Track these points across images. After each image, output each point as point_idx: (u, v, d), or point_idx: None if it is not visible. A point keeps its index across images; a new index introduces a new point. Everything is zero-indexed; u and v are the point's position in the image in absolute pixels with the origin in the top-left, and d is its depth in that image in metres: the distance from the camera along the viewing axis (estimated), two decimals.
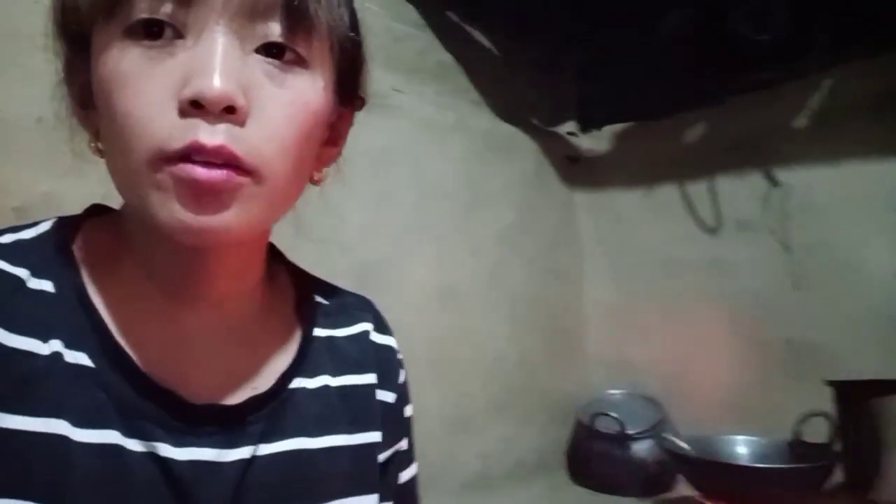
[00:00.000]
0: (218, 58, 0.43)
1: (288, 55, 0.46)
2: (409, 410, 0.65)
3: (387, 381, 0.61)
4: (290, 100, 0.46)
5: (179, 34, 0.44)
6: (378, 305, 0.66)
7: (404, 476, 0.64)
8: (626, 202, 1.78)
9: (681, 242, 1.67)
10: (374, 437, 0.58)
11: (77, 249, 0.50)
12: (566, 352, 1.71)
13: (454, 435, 1.35)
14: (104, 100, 0.45)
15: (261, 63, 0.45)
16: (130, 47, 0.44)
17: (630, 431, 1.42)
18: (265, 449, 0.50)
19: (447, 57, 1.58)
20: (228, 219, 0.44)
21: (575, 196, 1.83)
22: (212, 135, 0.42)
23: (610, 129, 1.81)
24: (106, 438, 0.45)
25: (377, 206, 1.34)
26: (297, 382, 0.54)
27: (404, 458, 0.64)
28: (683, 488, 1.35)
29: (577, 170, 1.83)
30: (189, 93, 0.42)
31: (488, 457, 1.44)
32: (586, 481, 1.47)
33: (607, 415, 1.44)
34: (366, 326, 0.62)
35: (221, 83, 0.42)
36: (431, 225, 1.45)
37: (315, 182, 0.55)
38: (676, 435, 1.38)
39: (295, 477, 0.51)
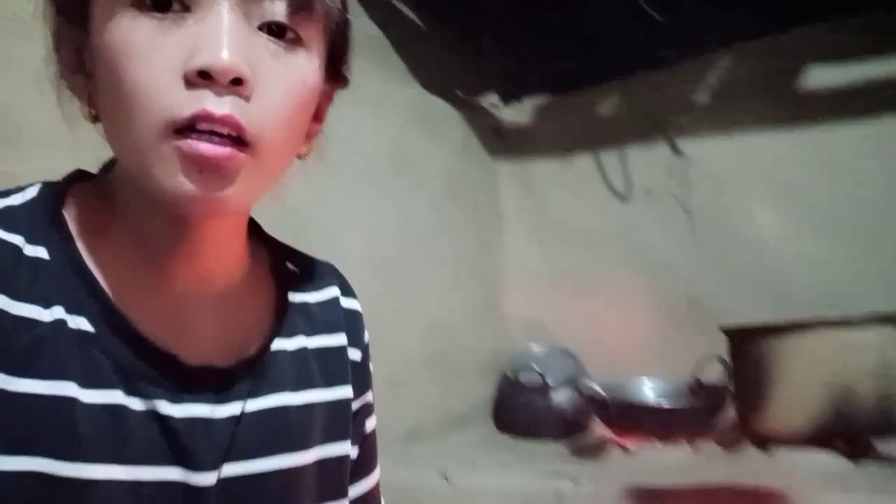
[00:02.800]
0: (226, 31, 0.45)
1: (289, 34, 0.49)
2: (371, 366, 0.71)
3: (354, 341, 0.66)
4: (290, 77, 0.49)
5: (187, 7, 0.45)
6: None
7: (369, 425, 0.70)
8: (544, 172, 1.89)
9: (594, 209, 1.81)
10: (347, 392, 0.63)
11: (67, 215, 0.52)
12: (489, 312, 1.81)
13: (390, 393, 1.42)
14: (109, 69, 0.46)
15: (263, 40, 0.48)
16: (138, 18, 0.45)
17: (551, 382, 1.54)
18: (252, 405, 0.55)
19: (375, 31, 1.62)
20: (229, 192, 0.46)
21: (498, 166, 1.92)
22: (220, 105, 0.44)
23: (530, 102, 1.91)
24: (110, 399, 0.48)
25: (308, 176, 1.38)
26: (278, 344, 0.59)
27: (370, 409, 0.70)
28: (598, 430, 1.49)
29: (500, 141, 1.92)
30: (198, 63, 0.43)
31: (422, 412, 1.53)
32: (511, 429, 1.59)
33: (531, 368, 1.56)
34: (334, 292, 0.67)
35: (230, 55, 0.44)
36: (362, 194, 1.50)
37: (301, 156, 0.58)
38: (591, 383, 1.53)
39: (278, 429, 0.56)
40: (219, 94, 0.44)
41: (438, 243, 1.67)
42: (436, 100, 1.76)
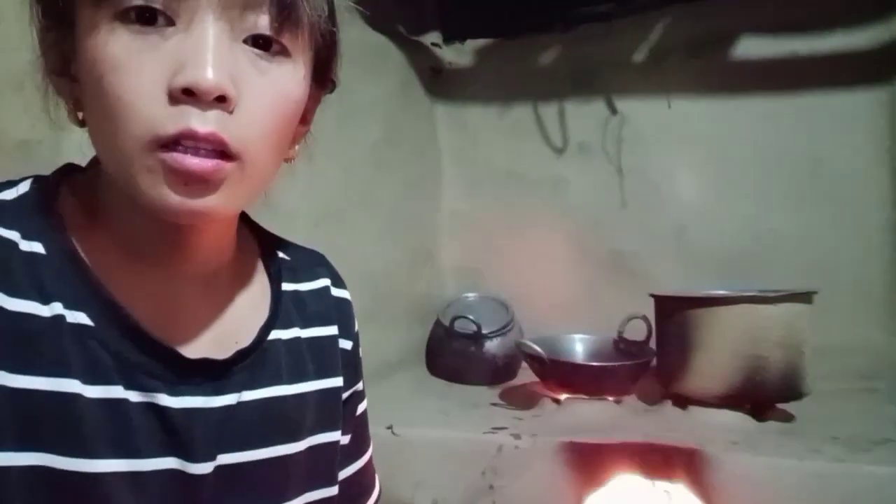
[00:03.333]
0: (210, 48, 0.45)
1: (274, 46, 0.49)
2: (360, 353, 0.74)
3: (345, 331, 0.69)
4: (273, 90, 0.49)
5: (171, 21, 0.45)
6: (331, 259, 0.72)
7: (360, 408, 0.73)
8: (483, 117, 1.89)
9: (529, 160, 1.84)
10: (338, 381, 0.66)
11: (60, 210, 0.51)
12: (425, 260, 1.84)
13: None
14: (93, 80, 0.46)
15: (247, 53, 0.48)
16: (121, 31, 0.45)
17: (485, 331, 1.61)
18: (248, 395, 0.57)
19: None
20: (213, 202, 0.47)
21: (436, 108, 1.90)
22: (203, 122, 0.45)
23: (472, 45, 1.87)
24: (111, 393, 0.49)
25: None
26: (274, 334, 0.60)
27: (361, 395, 0.73)
28: (524, 376, 1.59)
29: (439, 83, 1.89)
30: (183, 81, 0.44)
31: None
32: (444, 374, 1.67)
33: (465, 317, 1.62)
34: (325, 282, 0.68)
35: (214, 74, 0.44)
36: (304, 141, 1.45)
37: (288, 160, 0.59)
38: (523, 334, 1.61)
39: (273, 419, 0.58)
40: (203, 110, 0.45)
41: (378, 192, 1.66)
42: (378, 36, 1.69)
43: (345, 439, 0.68)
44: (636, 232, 1.72)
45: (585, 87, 1.78)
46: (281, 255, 0.66)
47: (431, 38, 1.86)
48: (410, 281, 1.77)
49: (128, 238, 0.53)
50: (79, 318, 0.49)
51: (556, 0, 1.77)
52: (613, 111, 1.76)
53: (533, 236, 1.81)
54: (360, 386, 0.72)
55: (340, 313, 0.68)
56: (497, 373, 1.63)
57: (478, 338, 1.62)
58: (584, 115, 1.78)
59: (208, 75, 0.44)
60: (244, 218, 0.65)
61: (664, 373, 1.35)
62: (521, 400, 1.44)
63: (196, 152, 0.45)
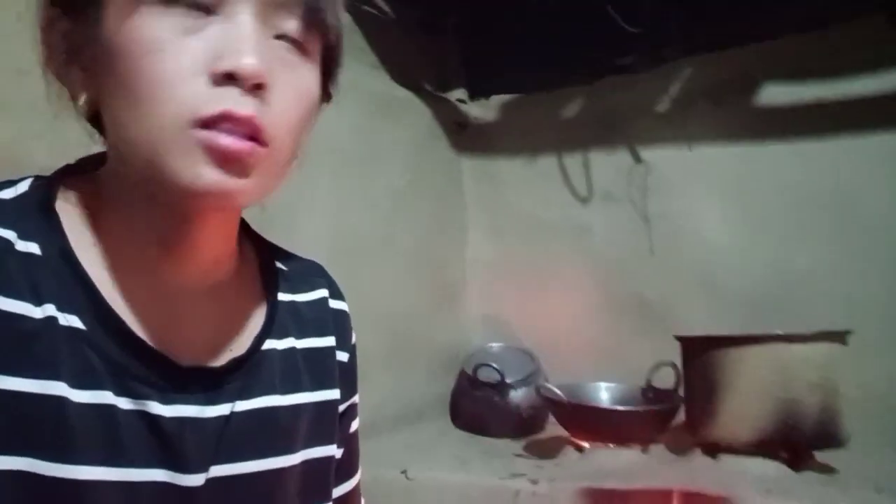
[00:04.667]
0: (252, 37, 0.47)
1: (299, 47, 0.51)
2: (356, 367, 0.72)
3: (342, 343, 0.67)
4: (299, 85, 0.51)
5: (210, 10, 0.47)
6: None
7: (353, 426, 0.71)
8: (508, 169, 1.90)
9: (555, 209, 1.83)
10: (334, 394, 0.64)
11: (59, 210, 0.51)
12: (448, 306, 1.83)
13: None
14: (127, 62, 0.46)
15: (278, 48, 0.50)
16: (163, 15, 0.46)
17: (509, 380, 1.57)
18: (241, 405, 0.55)
19: (345, 17, 1.59)
20: (245, 185, 0.48)
21: (462, 161, 1.93)
22: (243, 106, 0.46)
23: (497, 99, 1.91)
24: (100, 399, 0.48)
25: None
26: (268, 344, 0.59)
27: (355, 410, 0.71)
28: (553, 429, 1.53)
29: (464, 136, 1.92)
30: (227, 65, 0.46)
31: (379, 404, 1.54)
32: (466, 424, 1.62)
33: (489, 366, 1.58)
34: (323, 293, 0.67)
35: (257, 60, 0.46)
36: (327, 182, 1.48)
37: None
38: (548, 382, 1.56)
39: (266, 431, 0.56)
40: (242, 94, 0.46)
41: (400, 235, 1.67)
42: (403, 91, 1.74)
43: (338, 454, 0.66)
44: (663, 278, 1.68)
45: (609, 136, 1.79)
46: (279, 265, 0.66)
47: (457, 94, 1.91)
48: (433, 327, 1.75)
49: (130, 238, 0.52)
50: (71, 320, 0.48)
51: (580, 55, 1.81)
52: (637, 159, 1.76)
53: (558, 284, 1.79)
54: (355, 399, 0.70)
55: (338, 325, 0.67)
56: (522, 424, 1.58)
57: (501, 387, 1.58)
58: (609, 164, 1.78)
59: (252, 61, 0.46)
60: (245, 227, 0.65)
61: (692, 419, 1.28)
62: (544, 450, 1.39)
63: (234, 133, 0.46)
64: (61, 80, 0.52)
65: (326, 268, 0.74)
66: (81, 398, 0.47)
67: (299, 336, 0.62)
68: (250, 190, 0.49)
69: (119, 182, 0.53)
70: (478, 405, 1.61)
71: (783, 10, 1.58)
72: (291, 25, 0.50)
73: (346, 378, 0.67)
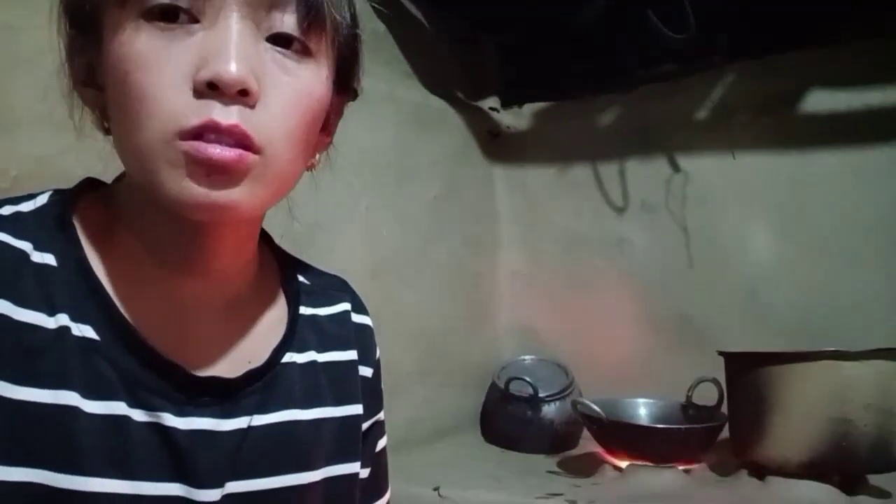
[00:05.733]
0: (234, 43, 0.46)
1: (296, 45, 0.49)
2: (381, 383, 0.70)
3: (365, 358, 0.65)
4: (296, 87, 0.49)
5: (195, 18, 0.46)
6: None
7: (380, 444, 0.69)
8: (541, 178, 1.87)
9: (590, 219, 1.79)
10: (357, 409, 0.62)
11: (76, 223, 0.51)
12: (482, 319, 1.79)
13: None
14: (118, 78, 0.46)
15: (271, 51, 0.48)
16: (146, 29, 0.46)
17: (542, 395, 1.53)
18: (259, 420, 0.54)
19: (380, 26, 1.58)
20: (237, 195, 0.47)
21: (494, 170, 1.90)
22: (226, 115, 0.45)
23: (530, 108, 1.89)
24: (113, 409, 0.47)
25: (308, 175, 1.34)
26: (288, 357, 0.58)
27: (381, 428, 0.69)
28: (587, 445, 1.49)
29: (497, 145, 1.90)
30: (207, 75, 0.45)
31: (411, 419, 1.51)
32: (500, 441, 1.58)
33: (522, 379, 1.55)
34: (346, 307, 0.66)
35: (237, 67, 0.45)
36: (362, 194, 1.47)
37: (310, 168, 0.59)
38: (583, 398, 1.52)
39: (286, 446, 0.55)
40: (226, 103, 0.45)
41: (434, 248, 1.65)
42: (436, 100, 1.72)
43: (363, 473, 0.64)
44: (703, 293, 1.62)
45: (646, 145, 1.74)
46: (301, 278, 0.65)
47: (489, 102, 1.89)
48: (466, 341, 1.72)
49: (146, 250, 0.52)
50: (85, 331, 0.48)
51: (617, 62, 1.77)
52: (676, 169, 1.71)
53: (594, 297, 1.74)
54: (381, 416, 0.68)
55: (360, 339, 0.66)
56: (556, 440, 1.53)
57: (534, 401, 1.54)
58: (646, 174, 1.74)
59: (231, 68, 0.45)
60: (267, 240, 0.64)
61: (738, 439, 1.23)
62: (580, 468, 1.34)
63: (220, 143, 0.45)
64: (82, 100, 0.53)
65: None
66: (94, 409, 0.46)
67: (321, 350, 0.61)
68: (243, 200, 0.47)
69: (131, 195, 0.52)
70: (510, 420, 1.57)
71: (833, 15, 1.53)
72: (288, 24, 0.48)
73: (371, 394, 0.65)
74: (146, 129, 0.45)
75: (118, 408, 0.47)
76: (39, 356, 0.46)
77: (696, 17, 1.58)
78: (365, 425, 0.64)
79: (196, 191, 0.46)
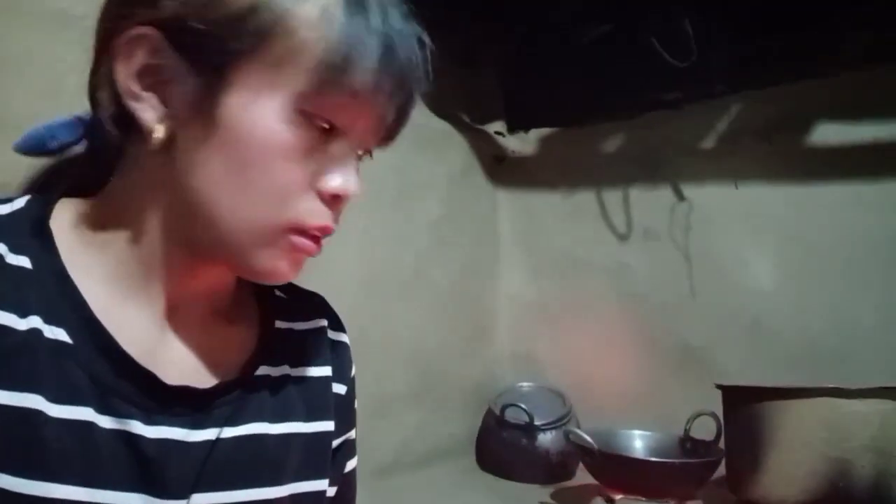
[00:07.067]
0: (357, 165, 0.54)
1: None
2: (355, 403, 0.69)
3: (340, 375, 0.65)
4: None
5: (330, 131, 0.51)
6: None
7: (349, 465, 0.68)
8: (545, 203, 1.86)
9: (593, 246, 1.77)
10: (329, 426, 0.62)
11: (54, 227, 0.51)
12: (480, 343, 1.77)
13: (372, 420, 1.39)
14: (248, 154, 0.48)
15: None
16: (298, 123, 0.49)
17: (538, 423, 1.50)
18: (229, 432, 0.53)
19: None
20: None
21: (498, 194, 1.89)
22: (334, 220, 0.53)
23: (535, 133, 1.88)
24: (79, 415, 0.47)
25: None
26: (262, 370, 0.58)
27: (352, 448, 0.68)
28: (583, 477, 1.45)
29: (502, 169, 1.89)
30: (340, 191, 0.52)
31: (403, 442, 1.49)
32: (494, 468, 1.55)
33: (517, 406, 1.52)
34: (322, 323, 0.66)
35: (361, 188, 0.53)
36: (360, 212, 1.46)
37: None
38: (580, 427, 1.49)
39: (254, 460, 0.54)
40: (335, 210, 0.53)
41: (433, 269, 1.64)
42: (440, 122, 1.73)
43: (330, 491, 0.63)
44: (706, 323, 1.60)
45: (650, 172, 1.73)
46: (278, 293, 0.65)
47: (495, 127, 1.89)
48: (464, 364, 1.70)
49: (127, 266, 0.52)
50: (58, 334, 0.48)
51: (622, 89, 1.77)
52: (680, 197, 1.69)
53: (594, 324, 1.72)
54: (352, 435, 0.68)
55: (336, 355, 0.66)
56: (551, 470, 1.50)
57: (530, 429, 1.51)
58: (650, 201, 1.72)
59: (358, 189, 0.53)
60: None
61: (734, 475, 1.19)
62: (573, 500, 1.31)
63: (317, 239, 0.53)
64: (133, 98, 0.49)
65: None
66: (59, 413, 0.46)
67: (294, 364, 0.61)
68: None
69: (142, 215, 0.52)
70: (505, 447, 1.54)
71: (839, 46, 1.51)
72: (373, 145, 0.56)
73: (344, 411, 0.65)
74: (261, 212, 0.49)
75: (85, 413, 0.47)
76: (8, 358, 0.45)
77: (700, 46, 1.58)
78: (335, 442, 0.64)
79: (285, 270, 0.53)
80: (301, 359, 0.61)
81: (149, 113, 0.49)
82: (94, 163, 0.55)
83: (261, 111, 0.48)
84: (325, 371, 0.63)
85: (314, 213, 0.51)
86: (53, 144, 0.55)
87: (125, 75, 0.49)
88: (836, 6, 1.48)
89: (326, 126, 0.50)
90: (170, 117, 0.49)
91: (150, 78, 0.49)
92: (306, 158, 0.50)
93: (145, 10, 0.48)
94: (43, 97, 0.54)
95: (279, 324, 0.62)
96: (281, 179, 0.49)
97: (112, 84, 0.49)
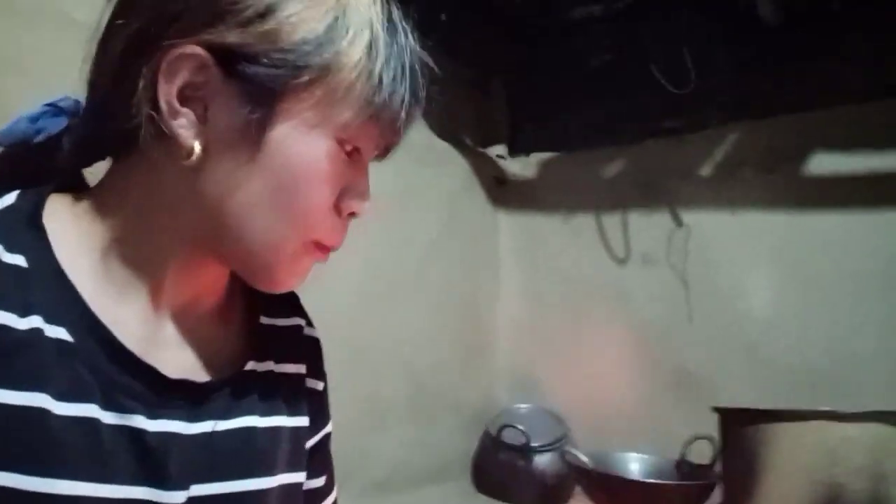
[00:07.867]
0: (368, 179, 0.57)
1: None
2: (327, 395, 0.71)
3: (315, 371, 0.67)
4: None
5: (355, 154, 0.54)
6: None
7: (330, 452, 0.70)
8: (545, 226, 1.88)
9: (591, 269, 1.79)
10: (304, 421, 0.63)
11: (47, 224, 0.50)
12: (477, 362, 1.78)
13: (365, 435, 1.39)
14: (288, 178, 0.51)
15: None
16: (333, 150, 0.52)
17: (534, 444, 1.50)
18: (223, 424, 0.55)
19: None
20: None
21: (498, 216, 1.91)
22: (344, 235, 0.56)
23: (536, 156, 1.91)
24: (84, 412, 0.47)
25: None
26: (251, 365, 0.60)
27: (329, 439, 0.70)
28: (579, 499, 1.45)
29: (503, 191, 1.92)
30: (357, 209, 0.55)
31: (397, 459, 1.49)
32: (489, 489, 1.55)
33: (514, 427, 1.52)
34: (299, 321, 0.68)
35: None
36: (360, 228, 1.48)
37: None
38: (576, 449, 1.49)
39: (246, 451, 0.56)
40: (346, 225, 0.56)
41: (431, 284, 1.65)
42: (443, 144, 1.76)
43: (319, 482, 0.66)
44: (702, 347, 1.60)
45: (650, 197, 1.75)
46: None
47: (497, 150, 1.91)
48: (459, 382, 1.70)
49: (125, 265, 0.52)
50: (59, 332, 0.48)
51: (623, 115, 1.80)
52: (679, 223, 1.71)
53: (592, 346, 1.73)
54: (329, 428, 0.70)
55: (309, 353, 0.68)
56: (547, 493, 1.50)
57: (526, 451, 1.51)
58: (649, 226, 1.74)
59: (370, 207, 0.56)
60: None
61: (729, 498, 1.19)
62: None
63: (328, 251, 0.56)
64: (171, 113, 0.49)
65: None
66: (65, 411, 0.47)
67: (277, 360, 0.63)
68: None
69: (151, 217, 0.52)
70: (501, 468, 1.54)
71: (837, 78, 1.54)
72: (376, 158, 0.58)
73: (321, 407, 0.67)
74: (292, 233, 0.52)
75: (90, 410, 0.48)
76: (10, 358, 0.46)
77: (699, 75, 1.62)
78: (317, 437, 0.66)
79: (296, 282, 0.56)
80: (282, 355, 0.63)
81: (185, 129, 0.49)
82: (79, 154, 0.55)
83: (308, 141, 0.50)
84: (300, 369, 0.65)
85: (335, 231, 0.54)
86: (39, 139, 0.54)
87: (167, 90, 0.48)
88: (835, 41, 1.52)
89: (352, 149, 0.53)
90: (205, 135, 0.49)
91: (189, 93, 0.49)
92: (337, 181, 0.53)
93: (201, 31, 0.48)
94: (43, 97, 0.55)
95: (264, 320, 0.63)
96: (315, 203, 0.52)
97: (148, 93, 0.49)
